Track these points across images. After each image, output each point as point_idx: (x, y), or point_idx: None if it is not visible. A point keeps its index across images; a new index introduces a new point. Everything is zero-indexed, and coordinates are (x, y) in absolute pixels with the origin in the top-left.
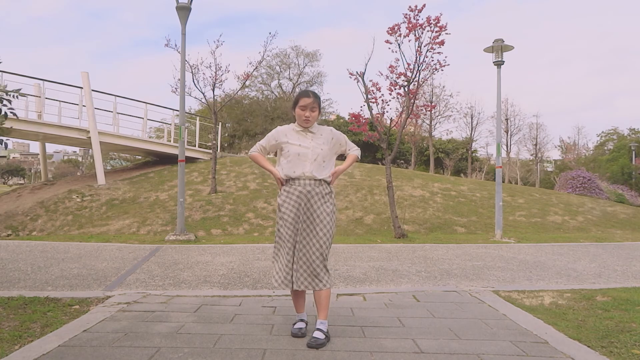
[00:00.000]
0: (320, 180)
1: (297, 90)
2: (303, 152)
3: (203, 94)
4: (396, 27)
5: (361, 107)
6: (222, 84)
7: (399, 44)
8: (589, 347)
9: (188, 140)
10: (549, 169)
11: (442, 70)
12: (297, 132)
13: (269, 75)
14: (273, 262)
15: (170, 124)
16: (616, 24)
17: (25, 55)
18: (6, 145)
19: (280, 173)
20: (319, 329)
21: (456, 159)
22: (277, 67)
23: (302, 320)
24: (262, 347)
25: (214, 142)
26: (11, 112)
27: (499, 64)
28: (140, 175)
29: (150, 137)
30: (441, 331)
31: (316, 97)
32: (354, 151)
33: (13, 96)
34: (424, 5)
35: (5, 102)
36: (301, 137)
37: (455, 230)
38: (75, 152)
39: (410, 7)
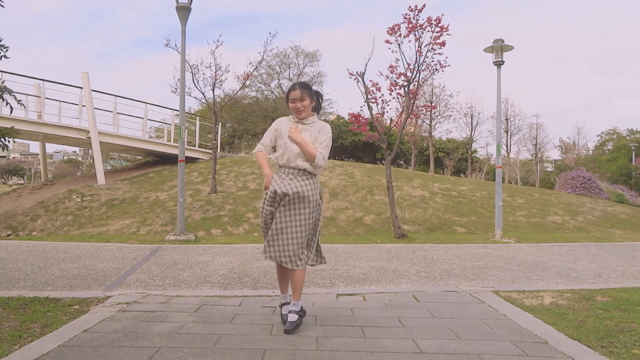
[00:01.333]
0: (303, 170)
1: None
2: (289, 145)
3: (203, 94)
4: (396, 28)
5: (361, 107)
6: (222, 84)
7: (399, 44)
8: (589, 347)
9: (188, 140)
10: (549, 169)
11: (443, 70)
12: (292, 124)
13: (268, 75)
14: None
15: (170, 124)
16: (615, 24)
17: (25, 55)
18: (5, 147)
19: (276, 161)
20: (291, 311)
21: (456, 159)
22: (277, 67)
23: (287, 303)
24: (262, 347)
25: (214, 142)
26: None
27: (499, 64)
28: (140, 175)
29: (150, 137)
30: (441, 331)
31: (303, 87)
32: (319, 150)
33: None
34: (424, 6)
35: (5, 95)
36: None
37: (455, 231)
38: (75, 152)
39: (410, 7)
